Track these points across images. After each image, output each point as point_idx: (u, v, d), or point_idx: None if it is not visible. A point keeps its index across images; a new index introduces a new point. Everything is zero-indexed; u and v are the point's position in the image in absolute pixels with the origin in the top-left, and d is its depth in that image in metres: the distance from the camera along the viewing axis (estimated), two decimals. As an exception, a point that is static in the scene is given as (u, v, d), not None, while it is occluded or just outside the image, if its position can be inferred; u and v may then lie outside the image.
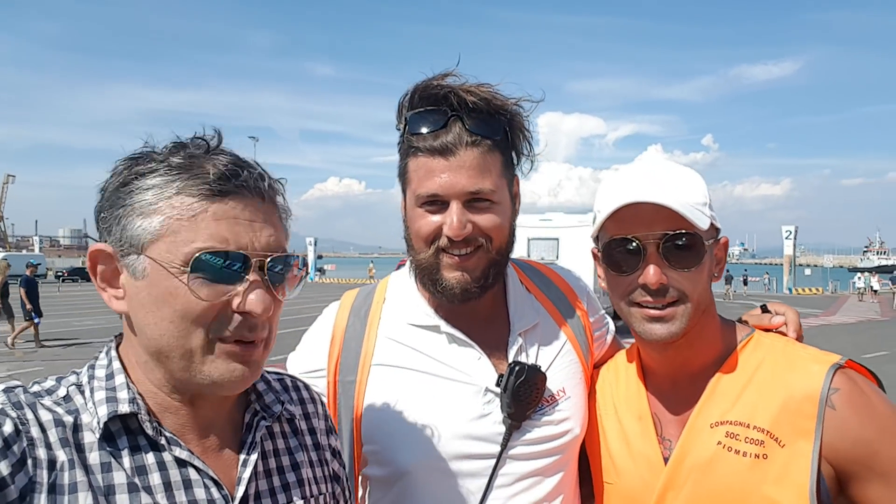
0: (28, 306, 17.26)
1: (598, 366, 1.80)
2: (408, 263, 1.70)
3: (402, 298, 1.69)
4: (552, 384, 1.59)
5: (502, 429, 1.53)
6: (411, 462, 1.51)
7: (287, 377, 1.37)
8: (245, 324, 1.03)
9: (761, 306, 1.67)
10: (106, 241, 1.05)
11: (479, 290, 1.55)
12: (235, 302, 1.02)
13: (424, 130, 1.49)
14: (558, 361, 1.66)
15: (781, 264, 54.54)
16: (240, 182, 1.03)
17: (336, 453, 1.38)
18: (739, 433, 1.37)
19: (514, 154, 1.60)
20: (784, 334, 1.55)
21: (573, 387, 1.65)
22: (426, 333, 1.62)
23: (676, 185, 1.40)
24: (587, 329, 1.77)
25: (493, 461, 1.51)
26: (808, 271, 77.84)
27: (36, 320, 17.31)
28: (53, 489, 0.92)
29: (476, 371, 1.57)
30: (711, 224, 1.40)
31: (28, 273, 18.41)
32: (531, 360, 1.60)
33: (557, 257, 17.86)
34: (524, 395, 1.51)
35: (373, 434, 1.55)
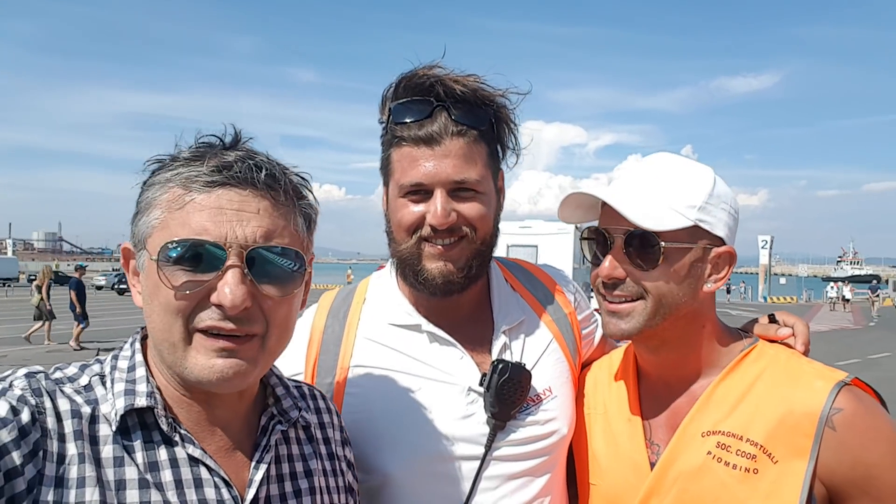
0: (78, 309, 17.48)
1: (588, 364, 1.78)
2: (389, 263, 1.67)
3: (383, 298, 1.66)
4: (538, 383, 1.56)
5: (486, 429, 1.49)
6: (394, 466, 1.47)
7: (305, 385, 1.37)
8: (220, 314, 1.00)
9: (769, 316, 1.61)
10: (130, 239, 1.09)
11: (462, 282, 1.52)
12: (213, 296, 1.00)
13: (409, 120, 1.47)
14: (544, 359, 1.63)
15: (757, 273, 55.22)
16: (231, 173, 1.02)
17: (351, 465, 1.38)
18: (731, 445, 1.34)
19: (499, 147, 1.58)
20: (790, 346, 1.49)
21: (560, 386, 1.62)
22: (407, 333, 1.59)
23: (657, 185, 1.39)
24: (575, 327, 1.74)
25: (478, 463, 1.48)
26: (782, 280, 78.89)
27: (82, 324, 17.55)
28: (60, 483, 0.92)
29: (458, 370, 1.54)
30: (697, 227, 1.36)
31: (77, 276, 18.89)
32: (516, 358, 1.58)
33: (536, 263, 18.01)
34: (508, 394, 1.48)
35: (354, 438, 1.51)
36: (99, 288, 58.23)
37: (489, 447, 1.48)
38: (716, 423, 1.38)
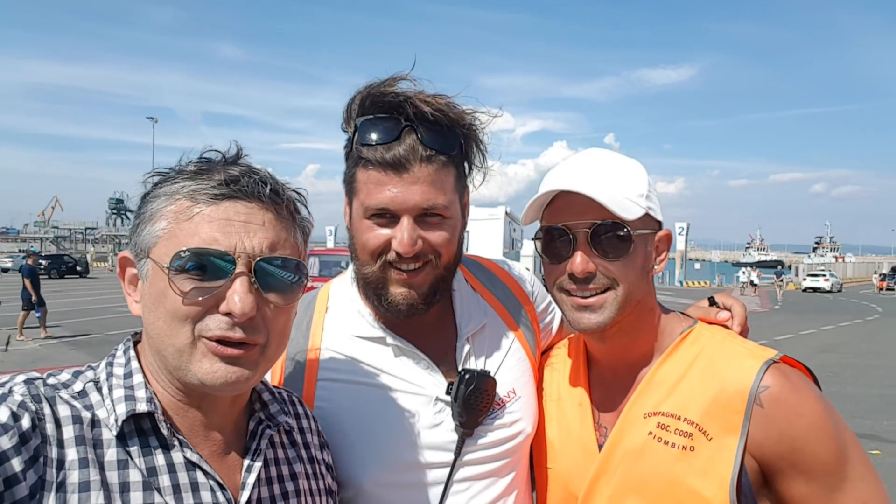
0: (34, 297, 16.50)
1: (546, 351, 1.80)
2: (350, 271, 1.64)
3: (345, 309, 1.63)
4: (501, 387, 1.57)
5: (455, 437, 1.51)
6: (365, 479, 1.47)
7: (284, 391, 1.39)
8: (228, 323, 1.03)
9: (709, 298, 1.67)
10: (129, 249, 1.11)
11: (425, 307, 1.51)
12: (221, 306, 1.03)
13: (376, 140, 1.41)
14: (507, 362, 1.65)
15: (674, 259, 57.81)
16: (238, 187, 1.06)
17: (329, 468, 1.40)
18: (670, 425, 1.40)
19: (466, 165, 1.55)
20: (728, 328, 1.55)
21: (522, 385, 1.65)
22: (372, 345, 1.57)
23: (611, 176, 1.42)
24: (534, 322, 1.77)
25: (448, 469, 1.49)
26: (697, 265, 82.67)
27: (38, 312, 16.63)
28: (62, 488, 0.93)
29: (425, 381, 1.54)
30: (647, 215, 1.42)
31: (30, 262, 17.60)
32: (480, 365, 1.59)
33: (467, 248, 18.27)
34: (475, 403, 1.49)
35: None
36: (5, 271, 54.74)
37: (458, 453, 1.50)
38: (656, 404, 1.44)
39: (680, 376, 1.43)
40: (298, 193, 1.19)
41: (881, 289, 56.78)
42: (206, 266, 1.02)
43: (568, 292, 1.46)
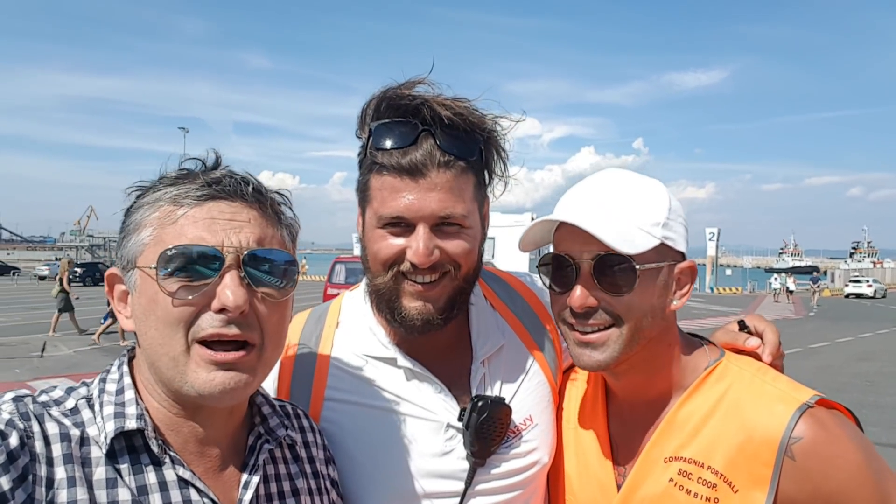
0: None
1: (568, 370, 1.69)
2: (363, 285, 1.57)
3: (356, 325, 1.56)
4: (517, 414, 1.49)
5: (466, 465, 1.44)
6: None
7: (288, 404, 1.37)
8: (222, 320, 1.02)
9: (739, 322, 1.53)
10: (116, 265, 1.09)
11: (441, 322, 1.42)
12: (213, 302, 1.02)
13: (391, 145, 1.34)
14: (525, 387, 1.56)
15: (704, 264, 56.83)
16: (221, 187, 1.07)
17: (335, 483, 1.37)
18: (693, 472, 1.31)
19: (486, 174, 1.48)
20: (759, 357, 1.43)
21: (540, 412, 1.55)
22: (382, 366, 1.50)
23: (620, 203, 1.32)
24: (556, 341, 1.66)
25: (458, 499, 1.42)
26: (728, 271, 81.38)
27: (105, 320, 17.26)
28: None
29: (436, 406, 1.47)
30: (663, 245, 1.32)
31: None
32: (495, 391, 1.51)
33: (493, 256, 17.98)
34: (488, 432, 1.41)
35: None
36: (42, 278, 56.09)
37: (469, 483, 1.43)
38: (678, 448, 1.34)
39: (703, 418, 1.33)
40: (282, 195, 1.19)
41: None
42: (194, 264, 1.01)
43: (570, 326, 1.37)
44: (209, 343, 1.02)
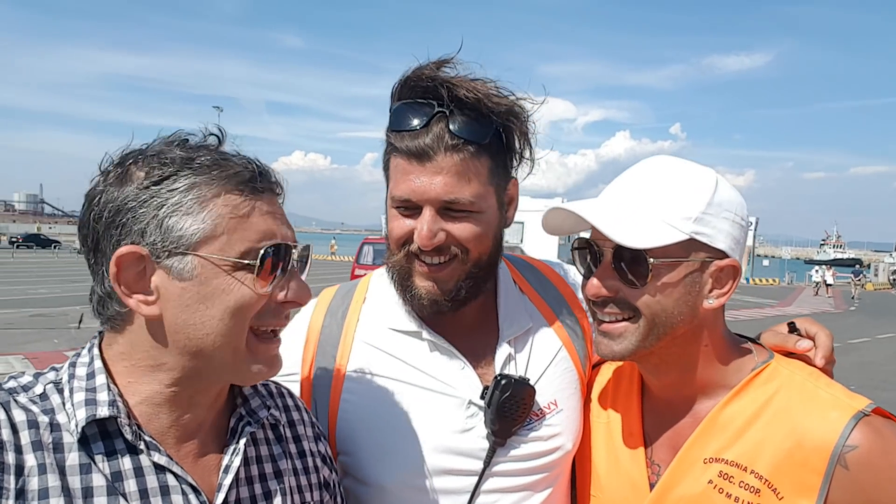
0: None
1: (598, 365, 1.67)
2: None
3: (383, 300, 1.57)
4: (542, 397, 1.49)
5: (486, 444, 1.44)
6: (388, 477, 1.42)
7: (272, 383, 1.34)
8: (283, 313, 1.10)
9: (789, 324, 1.48)
10: (135, 244, 1.00)
11: (450, 305, 1.45)
12: (280, 294, 1.07)
13: (404, 128, 1.37)
14: (551, 371, 1.55)
15: (741, 255, 55.63)
16: (272, 180, 1.11)
17: (326, 459, 1.36)
18: (735, 475, 1.26)
19: (509, 156, 1.47)
20: (810, 361, 1.37)
21: (566, 398, 1.54)
22: (407, 339, 1.52)
23: (650, 196, 1.30)
24: (586, 332, 1.64)
25: (476, 478, 1.42)
26: (766, 262, 79.69)
27: None
28: (21, 495, 0.91)
29: (459, 382, 1.47)
30: (693, 240, 1.26)
31: None
32: (520, 371, 1.51)
33: (522, 241, 18.06)
34: (509, 411, 1.41)
35: (347, 445, 1.46)
36: (80, 252, 57.63)
37: (488, 463, 1.43)
38: (719, 449, 1.30)
39: (748, 420, 1.29)
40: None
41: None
42: (279, 259, 1.06)
43: (594, 313, 1.38)
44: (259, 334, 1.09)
